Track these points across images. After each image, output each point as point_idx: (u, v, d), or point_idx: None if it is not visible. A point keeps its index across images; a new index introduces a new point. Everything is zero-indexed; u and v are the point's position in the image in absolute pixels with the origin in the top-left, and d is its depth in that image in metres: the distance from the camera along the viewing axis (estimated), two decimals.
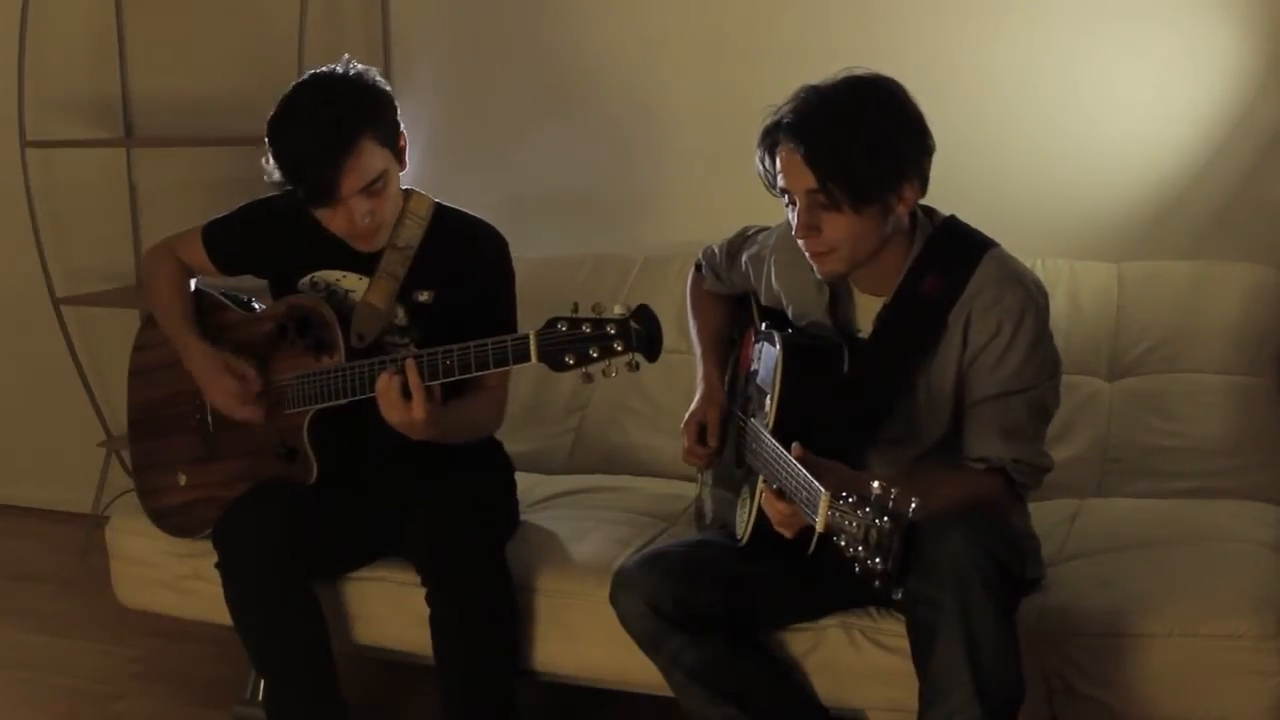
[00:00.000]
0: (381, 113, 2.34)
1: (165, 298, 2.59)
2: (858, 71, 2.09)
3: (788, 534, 1.99)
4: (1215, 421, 2.68)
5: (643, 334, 2.01)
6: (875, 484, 1.72)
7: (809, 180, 2.04)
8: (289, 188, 2.40)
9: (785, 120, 2.07)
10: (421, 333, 2.45)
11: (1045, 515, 2.34)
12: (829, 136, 2.02)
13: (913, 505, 1.68)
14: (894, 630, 2.17)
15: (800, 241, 2.11)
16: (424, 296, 2.45)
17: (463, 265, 2.46)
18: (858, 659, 2.22)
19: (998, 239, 2.17)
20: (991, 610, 1.92)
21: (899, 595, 1.73)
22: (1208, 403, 2.70)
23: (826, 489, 1.79)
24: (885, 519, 1.68)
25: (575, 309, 2.05)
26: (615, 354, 2.02)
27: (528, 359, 2.08)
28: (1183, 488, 2.61)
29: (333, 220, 2.35)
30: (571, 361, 2.03)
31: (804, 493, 1.86)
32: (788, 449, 1.96)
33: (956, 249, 2.14)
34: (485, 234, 2.52)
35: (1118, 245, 2.95)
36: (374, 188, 2.32)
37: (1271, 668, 2.05)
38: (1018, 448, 2.10)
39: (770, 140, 2.11)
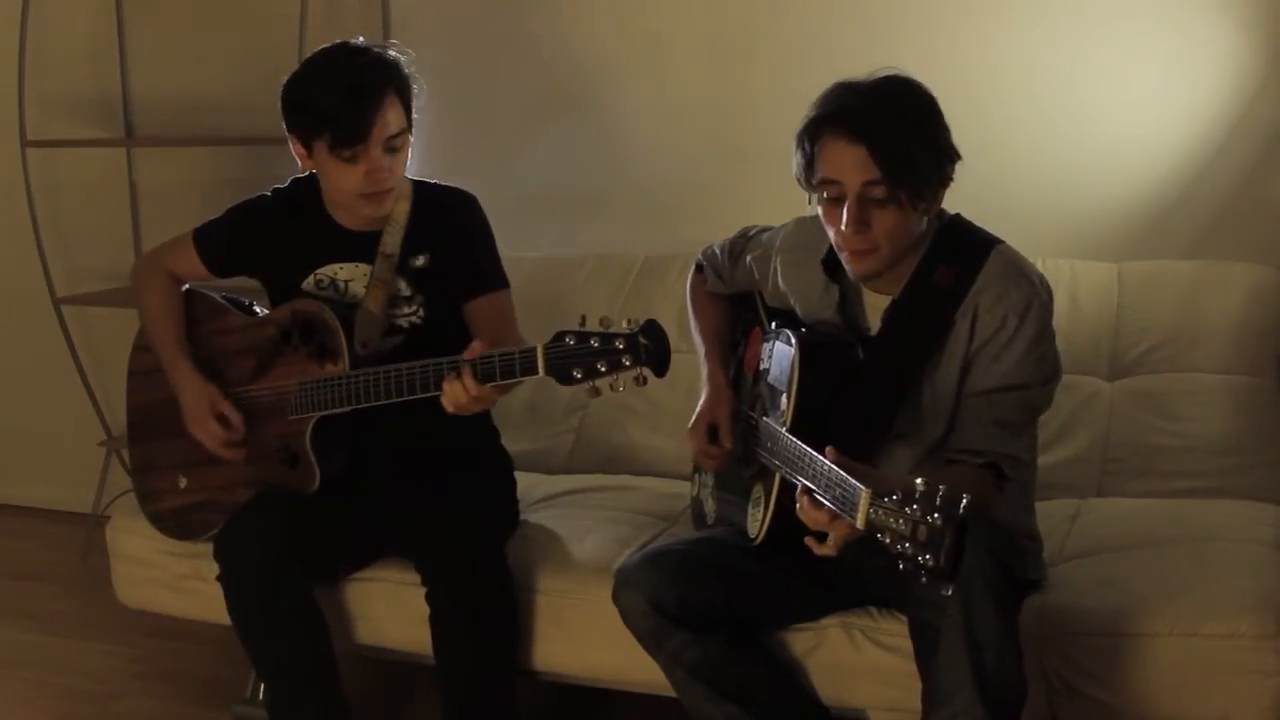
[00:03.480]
0: (402, 75, 2.40)
1: (156, 320, 2.59)
2: (897, 72, 2.08)
3: (831, 551, 1.95)
4: (1215, 421, 2.68)
5: (651, 349, 2.01)
6: (919, 481, 1.70)
7: (869, 173, 2.02)
8: (278, 185, 2.40)
9: (841, 113, 2.05)
10: (425, 295, 2.48)
11: (1045, 515, 2.33)
12: (895, 130, 2.02)
13: (964, 502, 1.66)
14: (894, 630, 2.18)
15: (842, 239, 2.08)
16: (420, 261, 2.48)
17: (446, 232, 2.50)
18: (858, 659, 2.22)
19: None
20: (994, 612, 1.93)
21: (949, 591, 1.72)
22: (1208, 403, 2.70)
23: (865, 486, 1.78)
24: (935, 515, 1.67)
25: (583, 322, 2.05)
26: (623, 368, 2.01)
27: (535, 372, 2.08)
28: (1183, 488, 2.61)
29: (351, 175, 2.36)
30: (579, 376, 2.03)
31: (838, 490, 1.84)
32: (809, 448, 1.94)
33: (964, 244, 2.15)
34: (460, 201, 2.56)
35: (1118, 245, 2.95)
36: (394, 143, 2.37)
37: (1271, 667, 2.05)
38: (1009, 442, 2.09)
39: (816, 132, 2.08)
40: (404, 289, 2.47)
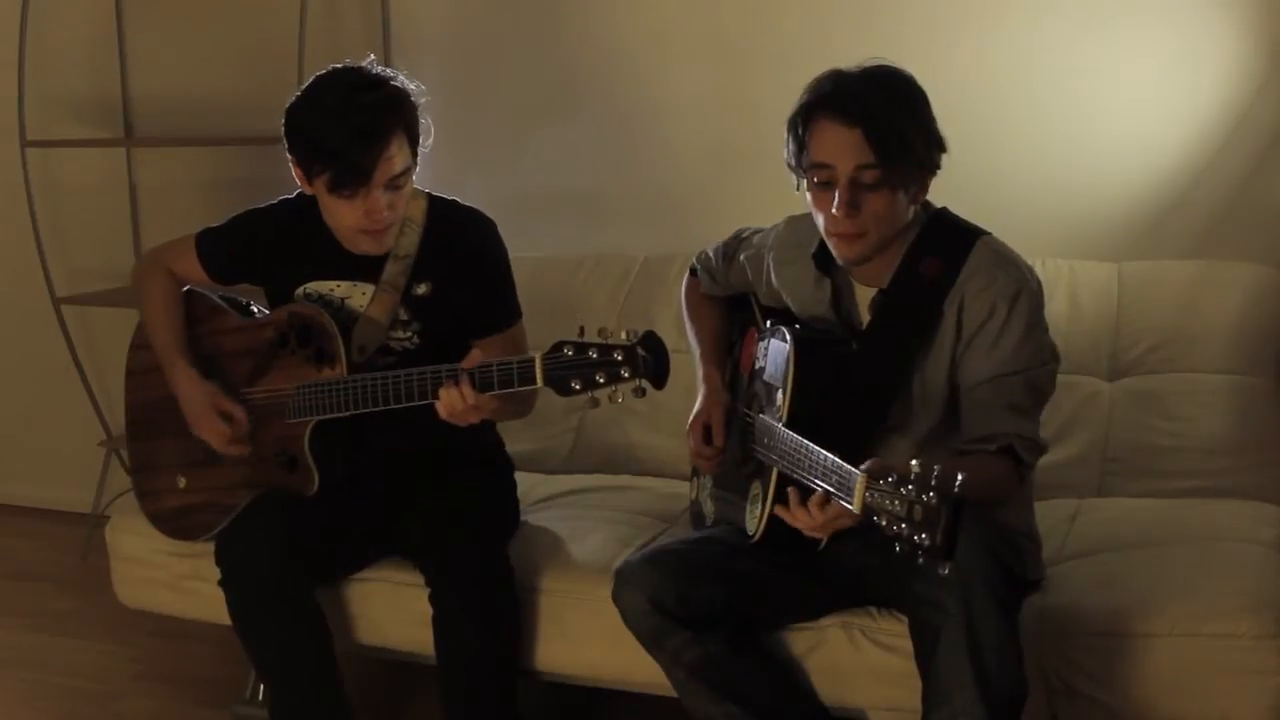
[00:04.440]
0: (411, 110, 2.34)
1: (156, 319, 2.57)
2: (888, 63, 2.09)
3: (820, 535, 1.97)
4: (1215, 421, 2.68)
5: (650, 361, 2.02)
6: (915, 463, 1.71)
7: (863, 157, 2.03)
8: (286, 197, 2.39)
9: (836, 96, 2.05)
10: (423, 325, 2.46)
11: (1045, 515, 2.34)
12: (890, 114, 2.03)
13: (958, 480, 1.67)
14: (894, 630, 2.18)
15: (831, 222, 2.08)
16: (422, 289, 2.45)
17: (457, 261, 2.46)
18: (858, 659, 2.22)
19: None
20: (994, 612, 1.93)
21: (946, 570, 1.72)
22: (1208, 403, 2.70)
23: (860, 471, 1.79)
24: (930, 494, 1.67)
25: (581, 333, 2.05)
26: (621, 380, 2.02)
27: (533, 382, 2.08)
28: (1183, 488, 2.61)
29: (350, 212, 2.32)
30: (577, 387, 2.04)
31: (834, 478, 1.85)
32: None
33: (951, 235, 2.15)
34: (475, 225, 2.50)
35: (1118, 245, 2.95)
36: (397, 182, 2.32)
37: (1271, 667, 2.05)
38: (1021, 423, 2.09)
39: (810, 115, 2.08)
40: (402, 314, 2.45)
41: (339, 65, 2.37)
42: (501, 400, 2.19)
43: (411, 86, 2.36)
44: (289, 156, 2.36)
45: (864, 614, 2.24)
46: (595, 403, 2.06)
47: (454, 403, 2.17)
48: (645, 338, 2.03)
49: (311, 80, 2.36)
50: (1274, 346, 2.77)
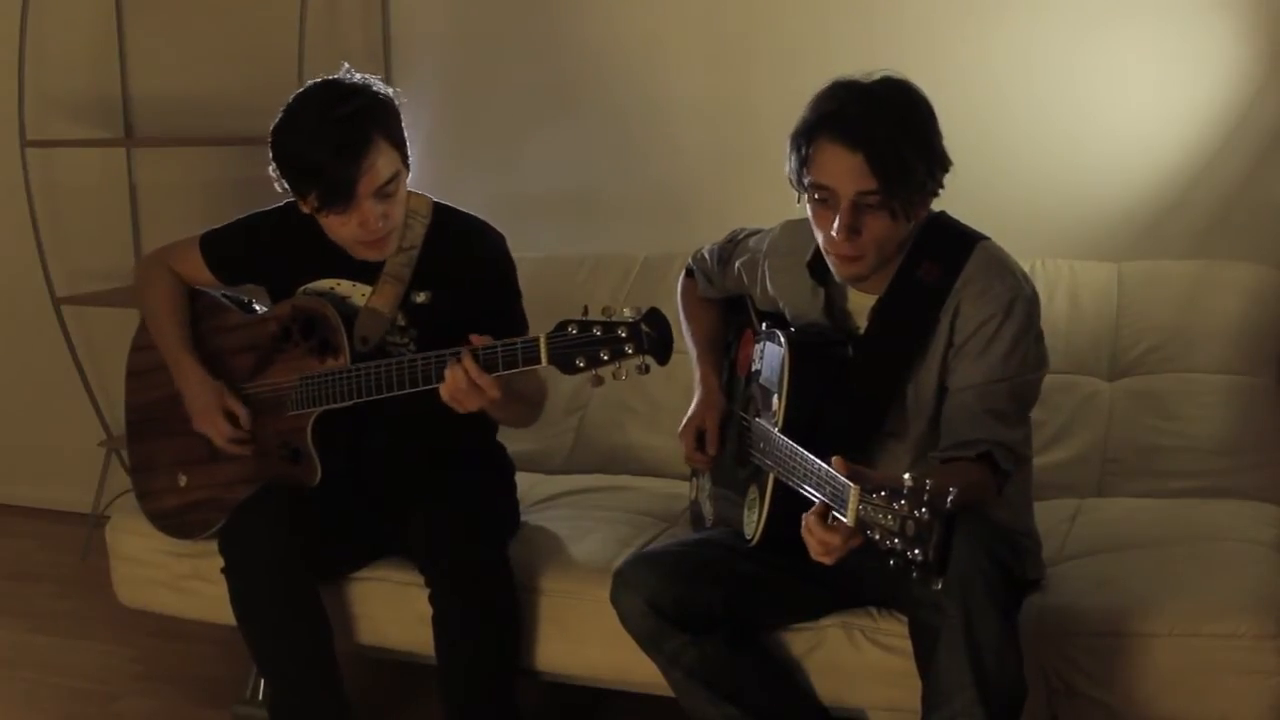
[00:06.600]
0: (390, 115, 2.33)
1: (161, 315, 2.57)
2: (893, 74, 2.07)
3: (827, 561, 1.92)
4: (1215, 421, 2.68)
5: (654, 337, 2.02)
6: (907, 477, 1.71)
7: (865, 183, 2.01)
8: (291, 200, 2.38)
9: (839, 117, 2.03)
10: (420, 332, 2.45)
11: (1045, 515, 2.34)
12: (894, 139, 2.00)
13: (950, 495, 1.67)
14: (894, 630, 2.18)
15: (831, 244, 2.08)
16: (421, 298, 2.45)
17: (462, 270, 2.46)
18: (858, 659, 2.22)
19: (998, 239, 2.17)
20: (994, 613, 1.93)
21: (939, 585, 1.71)
22: (1208, 403, 2.70)
23: (855, 483, 1.78)
24: (923, 510, 1.67)
25: (585, 312, 2.06)
26: (626, 356, 2.03)
27: (538, 361, 2.09)
28: (1183, 488, 2.61)
29: (345, 226, 2.32)
30: (582, 364, 2.04)
31: (829, 488, 1.85)
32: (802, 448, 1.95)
33: (948, 240, 2.14)
34: (483, 236, 2.51)
35: (1118, 245, 2.95)
36: (387, 190, 2.31)
37: (1271, 667, 2.05)
38: (1002, 431, 2.08)
39: (813, 135, 2.05)
40: (400, 319, 2.45)
41: (315, 80, 2.36)
42: (506, 392, 2.19)
43: (390, 91, 2.35)
44: (280, 180, 2.34)
45: (864, 614, 2.24)
46: (599, 380, 2.06)
47: (458, 380, 2.16)
48: (649, 314, 2.04)
49: (289, 100, 2.35)
50: (1274, 346, 2.77)
